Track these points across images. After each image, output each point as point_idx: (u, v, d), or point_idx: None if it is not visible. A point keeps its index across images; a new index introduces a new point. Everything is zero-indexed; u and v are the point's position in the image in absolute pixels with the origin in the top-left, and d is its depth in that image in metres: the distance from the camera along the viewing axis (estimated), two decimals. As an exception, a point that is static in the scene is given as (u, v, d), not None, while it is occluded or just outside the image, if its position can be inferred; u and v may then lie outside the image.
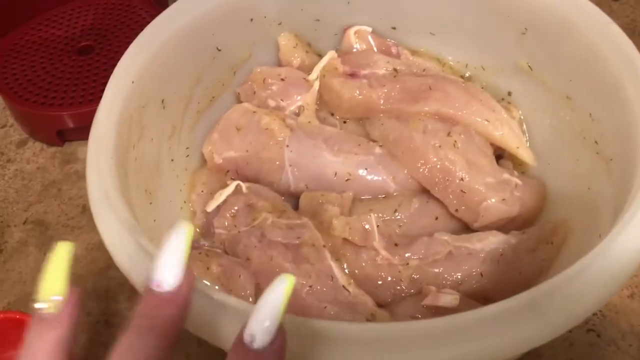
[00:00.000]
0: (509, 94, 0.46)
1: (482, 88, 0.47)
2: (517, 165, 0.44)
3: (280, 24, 0.47)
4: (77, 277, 0.45)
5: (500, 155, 0.45)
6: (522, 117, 0.46)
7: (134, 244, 0.29)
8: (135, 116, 0.37)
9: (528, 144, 0.45)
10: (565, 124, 0.42)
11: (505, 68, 0.46)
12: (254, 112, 0.45)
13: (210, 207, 0.42)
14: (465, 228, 0.42)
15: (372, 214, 0.40)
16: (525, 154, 0.43)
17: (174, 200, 0.43)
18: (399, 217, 0.41)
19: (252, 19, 0.45)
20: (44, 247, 0.47)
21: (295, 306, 0.36)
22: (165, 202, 0.41)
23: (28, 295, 0.44)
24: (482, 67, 0.47)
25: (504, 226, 0.41)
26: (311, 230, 0.39)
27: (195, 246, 0.40)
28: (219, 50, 0.45)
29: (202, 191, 0.44)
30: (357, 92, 0.44)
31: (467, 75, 0.48)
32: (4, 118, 0.57)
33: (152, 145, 0.40)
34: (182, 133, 0.44)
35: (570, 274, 0.26)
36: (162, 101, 0.41)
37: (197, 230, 0.43)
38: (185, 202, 0.44)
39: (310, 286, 0.36)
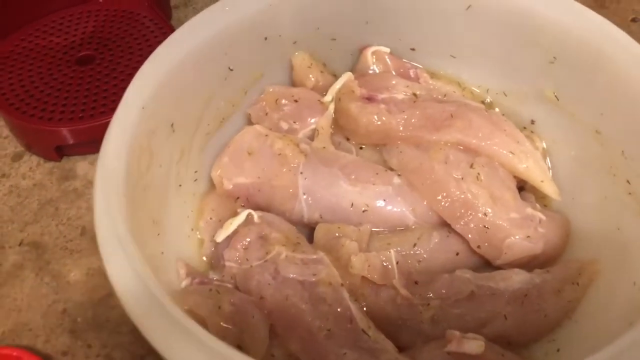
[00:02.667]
0: (532, 122, 0.45)
1: (504, 115, 0.45)
2: (539, 197, 0.43)
3: (295, 42, 0.45)
4: (76, 305, 0.42)
5: (522, 187, 0.43)
6: (545, 148, 0.44)
7: (146, 292, 0.27)
8: (144, 143, 0.35)
9: (551, 177, 0.43)
10: (592, 159, 0.40)
11: (529, 96, 0.44)
12: (266, 135, 0.43)
13: (220, 237, 0.40)
14: (486, 264, 0.40)
15: (391, 250, 0.38)
16: (549, 188, 0.41)
17: (181, 229, 0.41)
18: (418, 251, 0.39)
19: (266, 38, 0.43)
20: (41, 272, 0.45)
21: (313, 351, 0.34)
22: (172, 231, 0.39)
23: (23, 324, 0.42)
24: (504, 93, 0.45)
25: (526, 264, 0.40)
26: (328, 267, 0.37)
27: (205, 281, 0.37)
28: (231, 69, 0.43)
29: (211, 218, 0.42)
30: (376, 117, 0.42)
31: (488, 100, 0.46)
32: (-1, 129, 0.55)
33: (160, 172, 0.38)
34: (190, 156, 0.42)
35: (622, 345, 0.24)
36: (172, 125, 0.39)
37: (205, 259, 0.41)
38: (192, 229, 0.42)
39: (329, 330, 0.34)
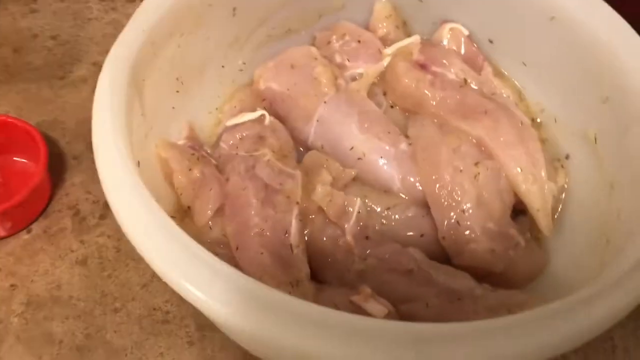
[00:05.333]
0: (567, 157, 0.43)
1: (546, 140, 0.44)
2: (535, 229, 0.41)
3: (382, -11, 0.46)
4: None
5: (524, 211, 0.42)
6: (566, 186, 0.42)
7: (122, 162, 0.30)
8: (195, 7, 0.39)
9: (557, 215, 0.41)
10: (597, 214, 0.38)
11: (573, 130, 0.42)
12: (316, 59, 0.45)
13: (230, 123, 0.43)
14: (446, 259, 0.40)
15: (358, 199, 0.39)
16: (543, 220, 0.40)
17: (206, 101, 0.45)
18: (386, 215, 0.40)
19: (356, -28, 0.45)
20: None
21: (240, 240, 0.37)
22: (194, 98, 0.43)
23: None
24: (555, 119, 0.44)
25: (483, 276, 0.39)
26: (296, 185, 0.39)
27: (195, 147, 0.41)
28: (312, -12, 0.45)
29: (235, 106, 0.46)
30: (415, 83, 0.43)
31: (538, 120, 0.45)
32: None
33: (205, 43, 0.42)
34: (244, 47, 0.46)
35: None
36: (234, 9, 0.42)
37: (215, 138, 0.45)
38: (217, 108, 0.46)
39: (262, 229, 0.37)
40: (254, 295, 0.26)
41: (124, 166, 0.28)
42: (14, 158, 0.45)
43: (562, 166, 0.43)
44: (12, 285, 0.40)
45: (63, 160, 0.46)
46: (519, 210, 0.42)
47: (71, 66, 0.53)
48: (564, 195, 0.42)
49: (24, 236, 0.42)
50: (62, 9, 0.59)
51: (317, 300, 0.35)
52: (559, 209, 0.42)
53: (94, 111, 0.31)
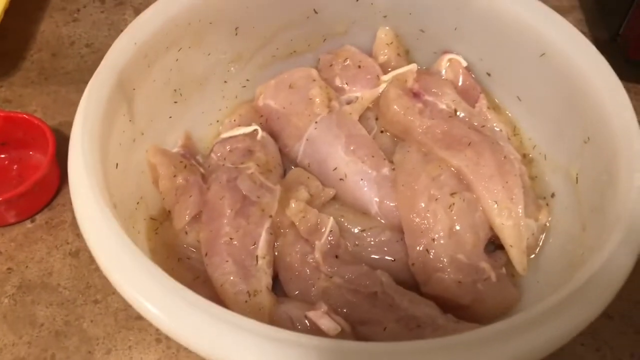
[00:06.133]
0: (552, 195, 0.42)
1: (536, 177, 0.43)
2: (512, 267, 0.41)
3: (385, 17, 0.48)
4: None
5: (502, 247, 0.41)
6: (548, 225, 0.41)
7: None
8: (194, 24, 0.41)
9: (533, 255, 0.41)
10: (569, 255, 0.37)
11: (560, 168, 0.41)
12: (314, 80, 0.47)
13: (224, 135, 0.45)
14: (415, 286, 0.40)
15: (331, 218, 0.40)
16: (516, 257, 0.39)
17: (207, 114, 0.47)
18: (360, 236, 0.41)
19: (357, 0, 0.46)
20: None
21: (209, 247, 0.38)
22: (194, 110, 0.46)
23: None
24: (545, 157, 0.43)
25: (450, 307, 0.39)
26: (273, 199, 0.40)
27: (187, 155, 0.44)
28: (316, 12, 0.47)
29: (235, 120, 0.48)
30: (404, 111, 0.44)
31: (530, 156, 0.44)
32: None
33: (205, 58, 0.44)
34: (248, 65, 0.48)
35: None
36: (236, 29, 0.45)
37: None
38: (217, 121, 0.48)
39: (231, 238, 0.38)
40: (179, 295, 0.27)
41: (85, 165, 0.31)
42: (30, 152, 0.48)
43: (547, 204, 0.42)
44: (8, 269, 0.43)
45: (74, 158, 0.50)
46: (498, 246, 0.42)
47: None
48: (544, 234, 0.41)
49: (28, 225, 0.46)
50: (101, 19, 0.63)
51: (273, 311, 0.37)
52: (538, 248, 0.41)
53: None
